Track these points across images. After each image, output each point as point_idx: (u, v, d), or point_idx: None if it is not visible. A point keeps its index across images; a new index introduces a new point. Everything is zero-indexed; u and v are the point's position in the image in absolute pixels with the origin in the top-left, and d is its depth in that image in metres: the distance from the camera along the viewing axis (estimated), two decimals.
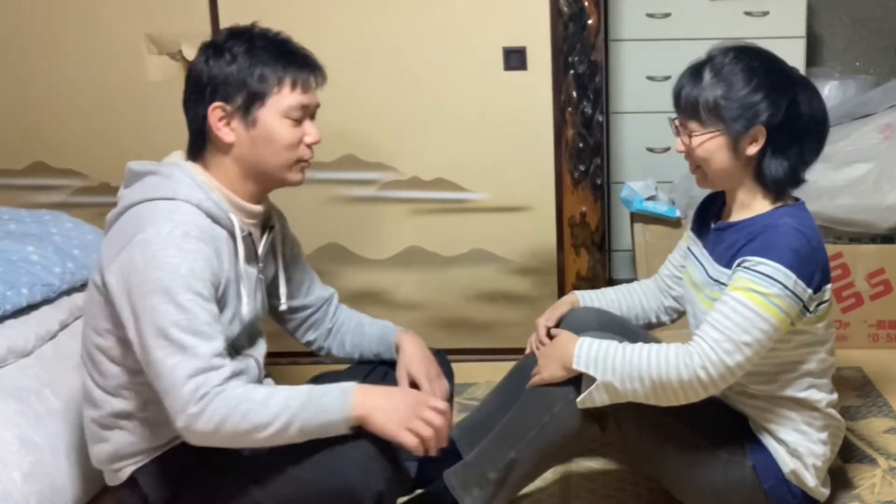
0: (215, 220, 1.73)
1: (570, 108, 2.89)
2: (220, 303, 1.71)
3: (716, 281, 1.96)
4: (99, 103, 2.94)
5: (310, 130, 1.80)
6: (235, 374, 1.65)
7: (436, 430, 1.69)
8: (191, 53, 2.79)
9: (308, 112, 1.80)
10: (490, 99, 2.89)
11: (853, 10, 3.78)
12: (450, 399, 2.02)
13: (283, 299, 1.96)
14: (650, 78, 3.43)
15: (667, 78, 3.23)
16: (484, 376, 2.87)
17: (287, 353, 2.75)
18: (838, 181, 3.04)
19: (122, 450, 1.79)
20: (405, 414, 1.68)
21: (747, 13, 3.38)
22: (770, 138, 1.89)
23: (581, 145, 2.91)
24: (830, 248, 2.36)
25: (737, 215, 1.98)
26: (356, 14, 2.85)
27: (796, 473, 1.97)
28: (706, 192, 2.13)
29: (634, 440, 2.02)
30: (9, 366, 2.03)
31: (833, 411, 2.04)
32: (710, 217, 2.09)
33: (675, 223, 3.07)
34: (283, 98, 1.75)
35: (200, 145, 1.79)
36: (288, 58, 1.77)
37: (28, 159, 3.00)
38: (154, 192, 1.71)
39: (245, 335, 1.84)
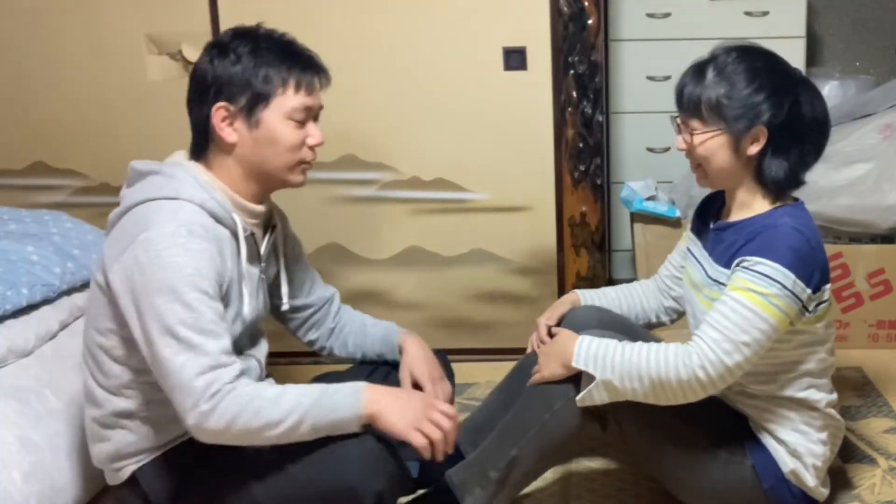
0: (218, 220, 1.73)
1: (570, 108, 2.88)
2: (223, 302, 1.71)
3: (715, 281, 1.96)
4: (99, 103, 2.94)
5: (313, 132, 1.80)
6: (243, 373, 1.66)
7: (444, 433, 1.70)
8: (191, 53, 2.81)
9: (311, 114, 1.80)
10: (490, 99, 2.89)
11: (853, 10, 3.77)
12: (451, 401, 2.01)
13: (284, 299, 1.96)
14: (650, 78, 3.43)
15: (667, 78, 3.24)
16: (484, 376, 2.87)
17: (288, 353, 2.75)
18: (838, 181, 3.03)
19: (124, 449, 1.80)
20: (415, 415, 1.69)
21: (747, 13, 3.37)
22: (771, 139, 1.89)
23: (581, 145, 2.91)
24: (830, 248, 2.36)
25: (736, 215, 1.98)
26: (356, 14, 2.85)
27: (796, 473, 1.98)
28: (706, 191, 2.13)
29: (634, 440, 2.02)
30: (9, 366, 2.03)
31: (833, 411, 2.04)
32: (709, 217, 2.09)
33: (675, 223, 3.07)
34: (288, 99, 1.75)
35: (203, 145, 1.79)
36: (293, 59, 1.76)
37: (28, 159, 3.00)
38: (157, 192, 1.71)
39: (247, 335, 1.84)
